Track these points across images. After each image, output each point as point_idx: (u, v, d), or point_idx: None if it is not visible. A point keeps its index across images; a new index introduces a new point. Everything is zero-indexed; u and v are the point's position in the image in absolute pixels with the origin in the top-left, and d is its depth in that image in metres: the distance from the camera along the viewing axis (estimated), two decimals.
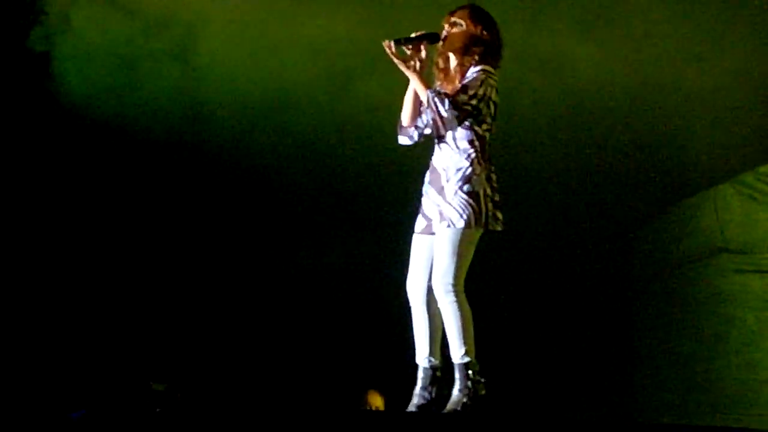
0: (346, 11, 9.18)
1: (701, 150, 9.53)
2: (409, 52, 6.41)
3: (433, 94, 6.28)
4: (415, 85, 6.39)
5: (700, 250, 9.71)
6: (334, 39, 9.18)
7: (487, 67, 6.34)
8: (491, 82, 6.34)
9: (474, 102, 6.30)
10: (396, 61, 6.38)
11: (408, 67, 6.39)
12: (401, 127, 6.53)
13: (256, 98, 9.45)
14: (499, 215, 6.36)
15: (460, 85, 6.32)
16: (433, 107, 6.28)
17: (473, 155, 6.33)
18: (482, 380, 6.32)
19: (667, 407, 9.62)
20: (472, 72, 6.35)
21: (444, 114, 6.28)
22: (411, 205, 6.64)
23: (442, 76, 6.46)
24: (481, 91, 6.32)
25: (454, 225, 6.28)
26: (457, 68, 6.41)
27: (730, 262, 9.60)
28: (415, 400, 6.36)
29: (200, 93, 9.49)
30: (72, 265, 9.28)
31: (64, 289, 9.23)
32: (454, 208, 6.28)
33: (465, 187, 6.30)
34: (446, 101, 6.27)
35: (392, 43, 6.35)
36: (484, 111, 6.33)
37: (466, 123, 6.34)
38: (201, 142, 9.52)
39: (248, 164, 9.57)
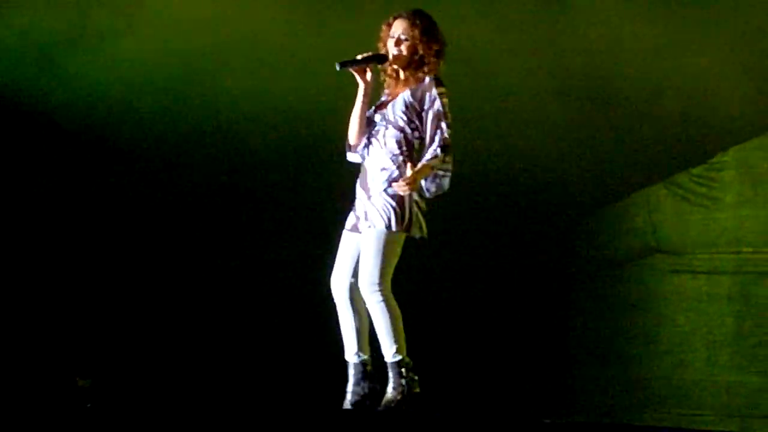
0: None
1: (635, 150, 9.57)
2: (355, 74, 6.42)
3: (434, 163, 6.29)
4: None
5: (633, 251, 9.78)
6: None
7: (443, 89, 6.38)
8: (448, 102, 6.37)
9: (450, 131, 6.36)
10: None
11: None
12: (350, 145, 6.55)
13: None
14: (423, 223, 6.38)
15: (435, 115, 6.32)
16: (438, 170, 6.30)
17: (400, 158, 6.38)
18: (416, 378, 6.35)
19: (600, 406, 9.68)
20: (434, 91, 6.33)
21: (448, 167, 6.31)
22: (338, 202, 6.64)
23: (393, 83, 6.49)
24: (450, 119, 6.38)
25: (375, 226, 6.29)
26: (410, 77, 6.42)
27: (663, 263, 9.68)
28: (349, 397, 6.39)
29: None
30: None
31: None
32: (377, 209, 6.34)
33: (389, 190, 6.34)
34: (444, 156, 6.31)
35: (337, 66, 6.36)
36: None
37: (399, 125, 6.36)
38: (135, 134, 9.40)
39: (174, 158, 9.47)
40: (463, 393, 9.29)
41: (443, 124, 6.37)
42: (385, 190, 6.35)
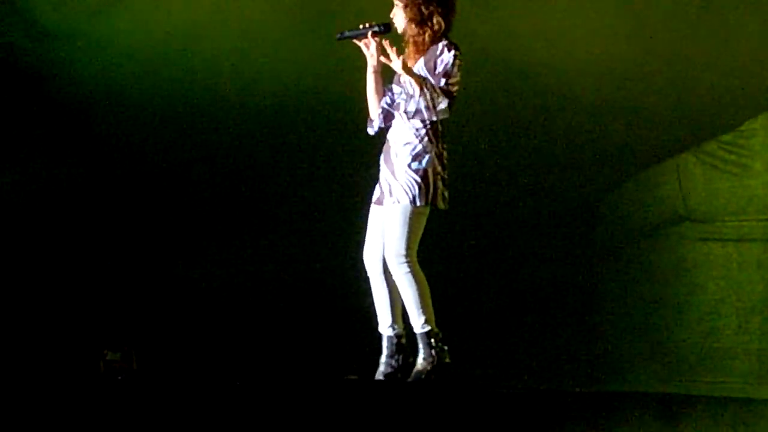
0: None
1: (664, 118, 9.54)
2: (361, 45, 6.41)
3: (430, 85, 6.22)
4: (398, 71, 6.31)
5: (663, 219, 9.76)
6: None
7: (457, 53, 6.33)
8: (461, 64, 6.33)
9: (456, 87, 6.32)
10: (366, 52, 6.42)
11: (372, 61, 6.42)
12: (371, 120, 6.56)
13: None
14: (446, 194, 6.38)
15: (441, 71, 6.27)
16: (430, 98, 6.23)
17: (423, 132, 6.36)
18: (446, 348, 6.35)
19: (630, 374, 9.67)
20: (447, 55, 6.30)
21: (440, 105, 6.23)
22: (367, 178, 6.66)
23: (407, 51, 6.44)
24: (458, 77, 6.33)
25: (399, 202, 6.30)
26: (421, 39, 6.37)
27: (693, 231, 9.66)
28: (382, 368, 6.41)
29: None
30: (19, 238, 9.19)
31: (14, 261, 9.13)
32: (401, 185, 6.34)
33: (413, 165, 6.34)
34: (441, 93, 6.23)
35: (337, 37, 6.37)
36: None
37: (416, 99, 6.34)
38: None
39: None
40: (492, 363, 9.29)
41: (452, 78, 6.29)
42: (409, 165, 6.34)
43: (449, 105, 6.29)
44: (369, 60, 6.47)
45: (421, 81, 6.27)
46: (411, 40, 6.42)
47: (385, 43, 6.33)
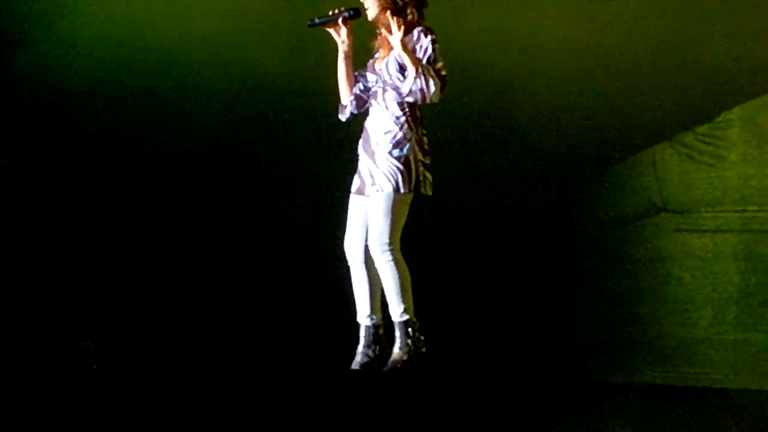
0: None
1: (641, 110, 9.55)
2: (331, 31, 6.40)
3: (424, 67, 6.21)
4: (400, 53, 6.27)
5: (639, 210, 9.76)
6: None
7: (433, 36, 6.32)
8: (439, 47, 6.33)
9: (445, 72, 6.37)
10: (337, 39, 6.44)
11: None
12: (342, 106, 6.53)
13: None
14: (430, 178, 6.37)
15: (423, 57, 6.25)
16: (424, 80, 6.21)
17: (402, 119, 6.37)
18: (422, 338, 6.37)
19: (605, 365, 9.68)
20: (424, 40, 6.30)
21: (432, 88, 6.21)
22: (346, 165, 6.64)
23: (383, 40, 6.43)
24: (442, 60, 6.35)
25: (383, 190, 6.27)
26: (398, 27, 6.35)
27: (669, 222, 9.67)
28: (359, 359, 6.43)
29: None
30: None
31: None
32: (383, 173, 6.33)
33: (394, 152, 6.35)
34: (434, 76, 6.22)
35: (308, 24, 6.38)
36: None
37: (396, 86, 6.35)
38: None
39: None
40: (469, 353, 9.29)
41: (439, 62, 6.31)
42: (390, 153, 6.33)
43: (441, 88, 6.28)
44: (340, 46, 6.47)
45: (417, 62, 6.26)
46: (384, 29, 6.40)
47: (388, 16, 6.30)
